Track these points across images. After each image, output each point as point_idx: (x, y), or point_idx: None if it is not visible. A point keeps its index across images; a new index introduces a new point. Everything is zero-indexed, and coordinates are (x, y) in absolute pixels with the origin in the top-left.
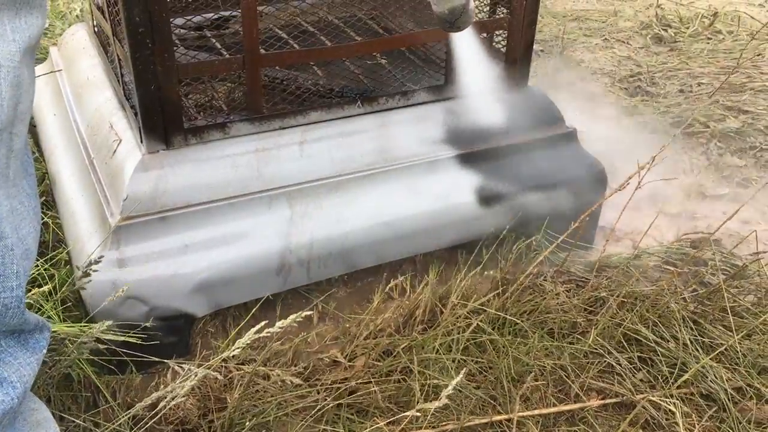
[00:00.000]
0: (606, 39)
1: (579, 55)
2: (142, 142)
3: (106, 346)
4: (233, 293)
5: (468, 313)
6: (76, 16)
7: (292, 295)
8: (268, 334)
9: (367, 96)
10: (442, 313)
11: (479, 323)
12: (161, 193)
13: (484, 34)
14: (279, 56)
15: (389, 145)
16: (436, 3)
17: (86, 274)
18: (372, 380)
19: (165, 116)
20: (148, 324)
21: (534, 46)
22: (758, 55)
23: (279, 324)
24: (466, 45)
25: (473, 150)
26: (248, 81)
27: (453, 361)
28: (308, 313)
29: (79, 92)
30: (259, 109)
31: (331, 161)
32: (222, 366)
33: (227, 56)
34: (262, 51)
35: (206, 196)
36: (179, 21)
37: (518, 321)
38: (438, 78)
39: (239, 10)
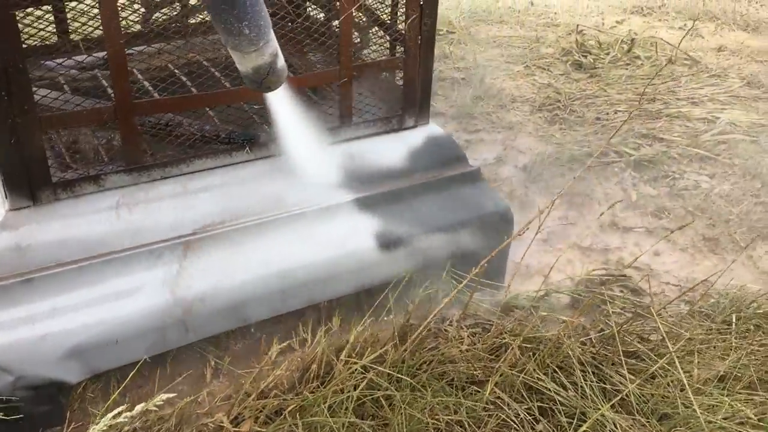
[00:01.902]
0: (527, 66)
1: (500, 83)
2: (6, 198)
3: None
4: (110, 357)
5: (364, 366)
6: None
7: (186, 351)
8: (126, 419)
9: (255, 141)
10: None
11: (375, 378)
12: (26, 253)
13: (385, 74)
14: (154, 104)
15: (282, 191)
16: (240, 62)
17: None
18: None
19: (29, 170)
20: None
21: (443, 80)
22: (672, 81)
23: (139, 408)
24: (280, 106)
25: (371, 193)
26: (122, 130)
27: (342, 426)
28: (168, 395)
29: None
30: (137, 159)
31: (219, 211)
32: None
33: (97, 105)
34: (153, 97)
35: (78, 254)
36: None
37: (417, 372)
38: (333, 120)
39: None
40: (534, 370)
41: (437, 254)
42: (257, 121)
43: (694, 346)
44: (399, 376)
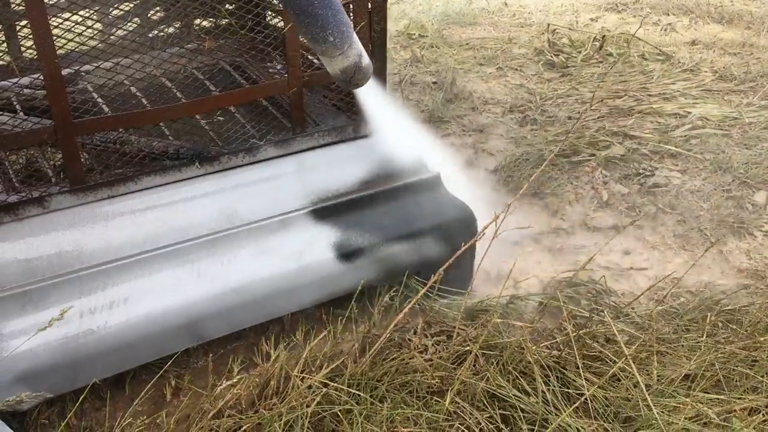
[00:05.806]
0: (500, 67)
1: (472, 85)
2: None
3: None
4: (62, 381)
5: (321, 380)
6: None
7: (144, 370)
8: None
9: (205, 156)
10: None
11: (334, 392)
12: None
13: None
14: (97, 123)
15: (236, 205)
16: (328, 65)
17: None
18: None
19: None
20: None
21: (427, 81)
22: (644, 76)
23: None
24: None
25: (328, 204)
26: (64, 151)
27: None
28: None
29: None
30: (81, 180)
31: (169, 228)
32: None
33: (36, 125)
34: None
35: (22, 278)
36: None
37: (377, 384)
38: (287, 132)
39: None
40: (495, 377)
41: (399, 263)
42: (212, 135)
43: (658, 346)
44: (354, 391)
